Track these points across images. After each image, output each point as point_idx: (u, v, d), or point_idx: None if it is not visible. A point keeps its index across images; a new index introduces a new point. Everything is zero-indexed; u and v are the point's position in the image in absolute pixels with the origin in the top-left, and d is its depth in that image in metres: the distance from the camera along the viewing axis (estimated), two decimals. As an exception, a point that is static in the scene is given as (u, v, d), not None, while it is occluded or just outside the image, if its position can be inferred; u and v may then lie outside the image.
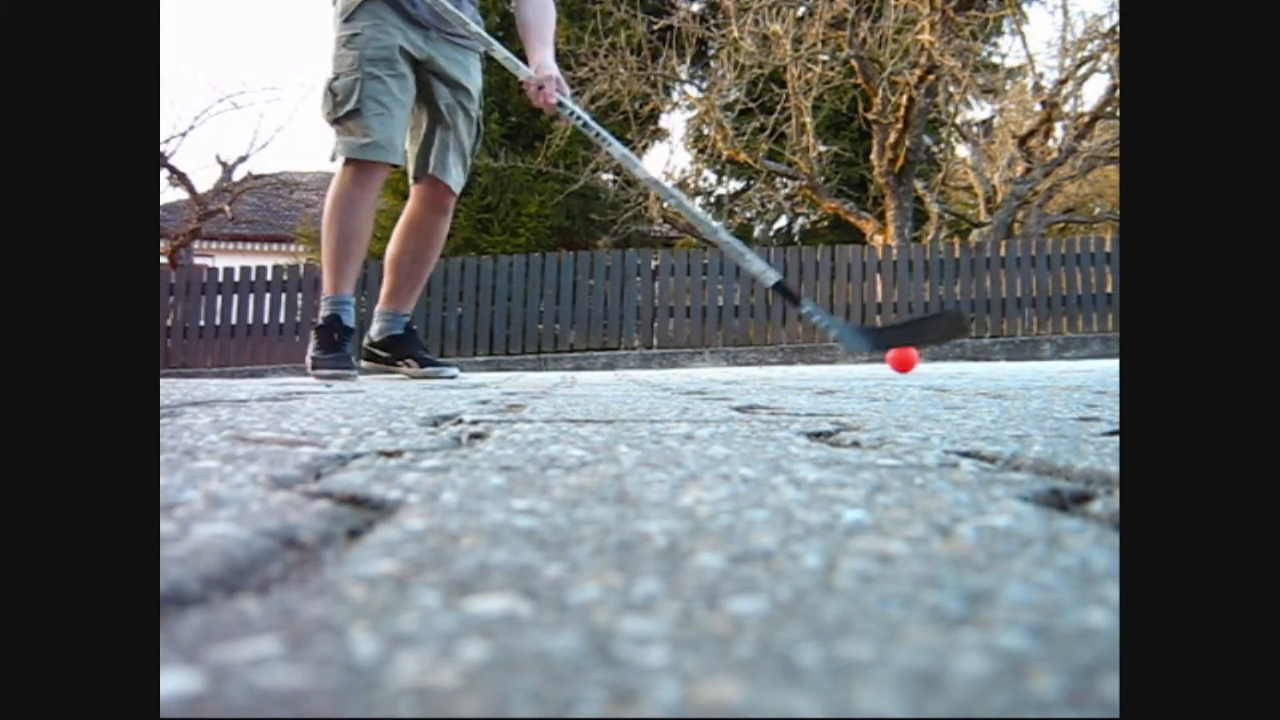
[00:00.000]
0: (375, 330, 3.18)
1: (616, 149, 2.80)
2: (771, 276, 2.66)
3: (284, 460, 0.67)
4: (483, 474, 0.60)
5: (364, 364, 3.20)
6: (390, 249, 3.12)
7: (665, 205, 12.45)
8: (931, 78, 9.53)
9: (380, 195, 2.98)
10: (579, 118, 2.81)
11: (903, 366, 2.47)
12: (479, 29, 2.91)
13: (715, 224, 2.75)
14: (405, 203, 3.10)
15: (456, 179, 3.01)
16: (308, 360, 2.92)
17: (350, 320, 2.90)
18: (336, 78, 2.86)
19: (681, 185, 14.05)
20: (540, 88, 2.83)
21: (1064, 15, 15.24)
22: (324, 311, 2.91)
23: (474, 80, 3.06)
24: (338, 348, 2.86)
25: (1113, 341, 7.64)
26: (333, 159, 2.88)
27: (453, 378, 3.01)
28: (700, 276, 8.54)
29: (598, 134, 2.81)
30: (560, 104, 2.82)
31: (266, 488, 0.55)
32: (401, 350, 3.13)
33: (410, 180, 3.08)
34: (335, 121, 2.85)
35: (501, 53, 2.86)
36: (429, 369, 3.09)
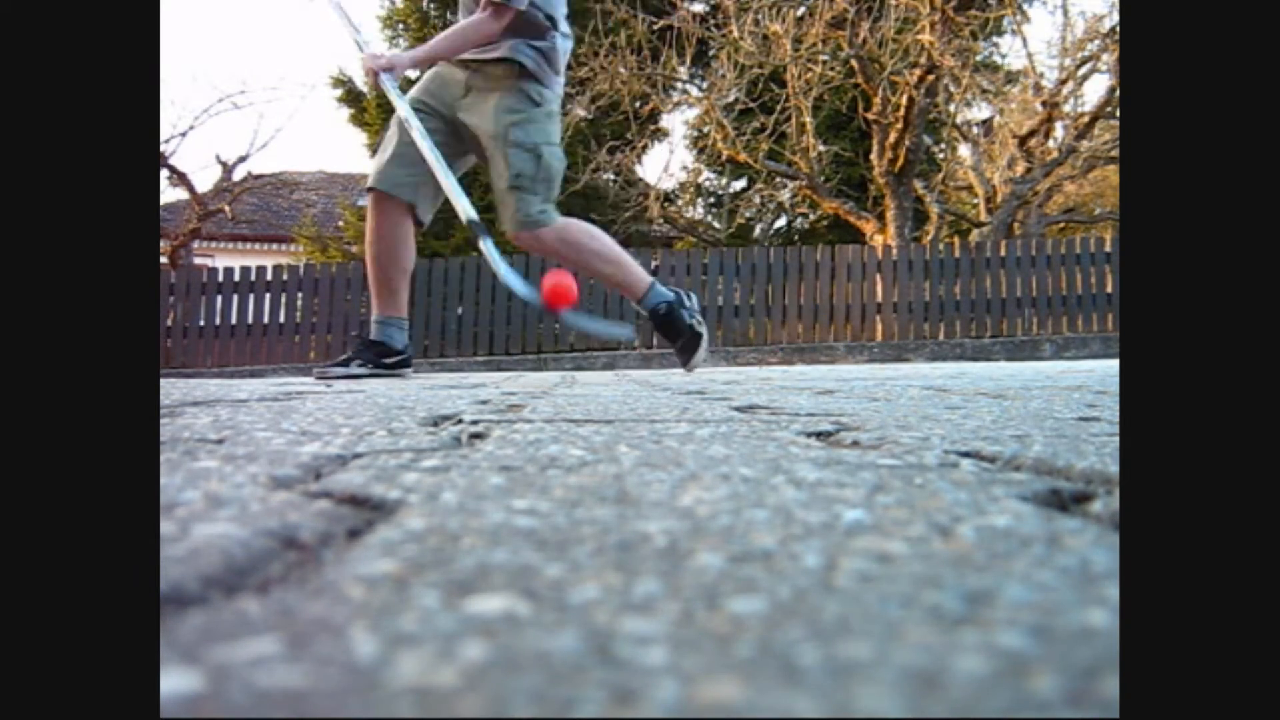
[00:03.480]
0: None
1: (418, 137, 3.00)
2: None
3: (284, 460, 0.67)
4: (483, 474, 0.60)
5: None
6: None
7: (665, 206, 12.46)
8: (931, 78, 9.53)
9: (396, 219, 3.16)
10: (395, 95, 3.09)
11: (556, 298, 2.42)
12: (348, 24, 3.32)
13: (472, 208, 3.00)
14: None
15: (425, 209, 3.18)
16: None
17: (378, 335, 3.15)
18: None
19: (682, 185, 14.04)
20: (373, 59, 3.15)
21: (1064, 15, 15.21)
22: None
23: (484, 121, 3.11)
24: (350, 362, 3.11)
25: (1113, 341, 7.64)
26: None
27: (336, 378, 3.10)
28: (700, 276, 8.53)
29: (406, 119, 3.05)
30: (377, 76, 3.10)
31: (266, 487, 0.55)
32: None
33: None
34: None
35: (355, 38, 3.30)
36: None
